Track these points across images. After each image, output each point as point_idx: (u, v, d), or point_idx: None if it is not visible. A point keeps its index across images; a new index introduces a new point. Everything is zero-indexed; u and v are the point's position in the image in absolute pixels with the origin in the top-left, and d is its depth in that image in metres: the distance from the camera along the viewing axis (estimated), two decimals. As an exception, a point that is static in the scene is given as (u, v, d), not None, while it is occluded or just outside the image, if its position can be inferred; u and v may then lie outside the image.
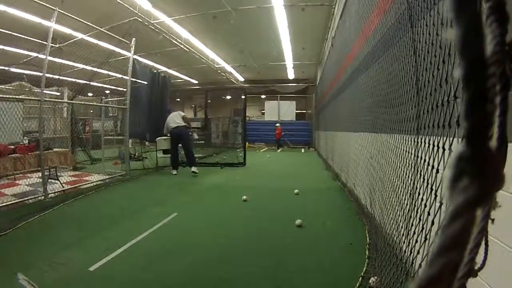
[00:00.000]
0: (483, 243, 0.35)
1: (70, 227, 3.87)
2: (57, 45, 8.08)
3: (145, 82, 8.56)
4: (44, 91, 5.15)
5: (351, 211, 4.56)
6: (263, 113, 22.35)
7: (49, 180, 5.52)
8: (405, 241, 1.98)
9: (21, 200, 4.80)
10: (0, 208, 4.36)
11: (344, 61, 6.45)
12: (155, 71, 9.80)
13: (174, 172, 7.99)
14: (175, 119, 8.02)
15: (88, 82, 8.58)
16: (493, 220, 0.31)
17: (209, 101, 13.47)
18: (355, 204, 4.84)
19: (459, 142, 0.26)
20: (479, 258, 0.32)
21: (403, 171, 2.27)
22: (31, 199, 4.93)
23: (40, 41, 7.63)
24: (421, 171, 1.78)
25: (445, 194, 0.26)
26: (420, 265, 1.38)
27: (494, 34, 0.26)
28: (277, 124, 18.34)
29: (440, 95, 1.48)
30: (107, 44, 8.54)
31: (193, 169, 7.76)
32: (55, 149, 6.88)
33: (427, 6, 1.84)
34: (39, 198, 5.03)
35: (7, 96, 6.75)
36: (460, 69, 0.25)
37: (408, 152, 2.18)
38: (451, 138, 1.22)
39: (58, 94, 9.02)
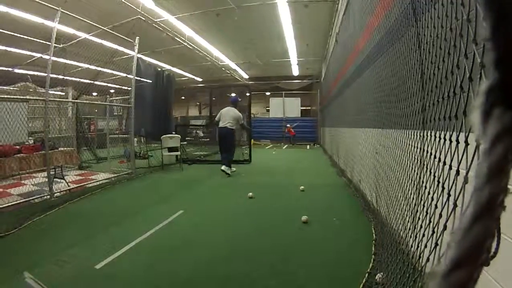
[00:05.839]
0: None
1: (76, 225, 3.89)
2: (61, 45, 8.10)
3: (150, 81, 8.57)
4: (49, 91, 5.17)
5: (356, 207, 4.54)
6: (268, 110, 22.32)
7: (55, 180, 5.55)
8: (412, 235, 1.96)
9: (27, 199, 4.82)
10: (7, 208, 4.38)
11: (349, 56, 6.40)
12: (159, 69, 9.81)
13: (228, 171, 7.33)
14: (227, 117, 7.38)
15: (92, 82, 8.61)
16: (504, 207, 0.29)
17: (213, 98, 13.46)
18: (360, 200, 4.81)
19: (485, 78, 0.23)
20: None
21: (409, 165, 2.24)
22: (37, 198, 4.96)
23: (44, 42, 7.66)
24: (427, 164, 1.75)
25: (477, 131, 0.23)
26: (428, 258, 1.36)
27: None
28: (288, 125, 18.49)
29: (446, 87, 1.45)
30: (111, 43, 8.56)
31: (223, 167, 7.27)
32: (60, 149, 6.88)
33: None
34: (45, 197, 5.06)
35: (13, 96, 6.79)
36: None
37: (414, 146, 2.15)
38: (457, 132, 1.19)
39: (63, 94, 9.06)
